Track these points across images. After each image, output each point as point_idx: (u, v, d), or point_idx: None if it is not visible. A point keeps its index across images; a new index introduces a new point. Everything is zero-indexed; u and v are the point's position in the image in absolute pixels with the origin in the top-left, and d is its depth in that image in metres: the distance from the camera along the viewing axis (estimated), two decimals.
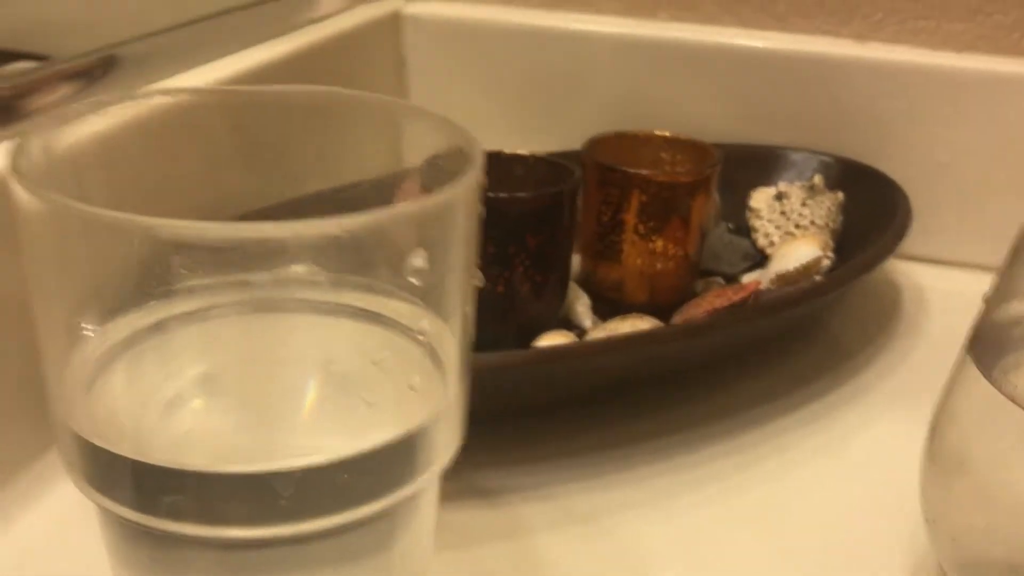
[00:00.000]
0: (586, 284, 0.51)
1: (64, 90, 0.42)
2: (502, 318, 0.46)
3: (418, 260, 0.23)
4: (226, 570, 0.25)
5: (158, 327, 0.27)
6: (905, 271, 0.59)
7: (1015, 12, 0.56)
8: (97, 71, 0.45)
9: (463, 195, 0.23)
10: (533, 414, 0.44)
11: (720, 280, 0.53)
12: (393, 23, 0.64)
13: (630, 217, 0.49)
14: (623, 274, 0.50)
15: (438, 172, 0.26)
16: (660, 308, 0.49)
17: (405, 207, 0.23)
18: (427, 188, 0.28)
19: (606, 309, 0.50)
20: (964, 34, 0.57)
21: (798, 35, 0.60)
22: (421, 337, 0.26)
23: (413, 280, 0.23)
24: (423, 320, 0.25)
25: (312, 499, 0.23)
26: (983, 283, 0.58)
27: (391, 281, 0.24)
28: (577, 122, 0.63)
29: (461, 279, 0.25)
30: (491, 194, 0.44)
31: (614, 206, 0.49)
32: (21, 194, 0.23)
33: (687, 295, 0.51)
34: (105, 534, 0.26)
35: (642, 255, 0.49)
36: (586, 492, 0.40)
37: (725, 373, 0.48)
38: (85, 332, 0.26)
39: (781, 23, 0.60)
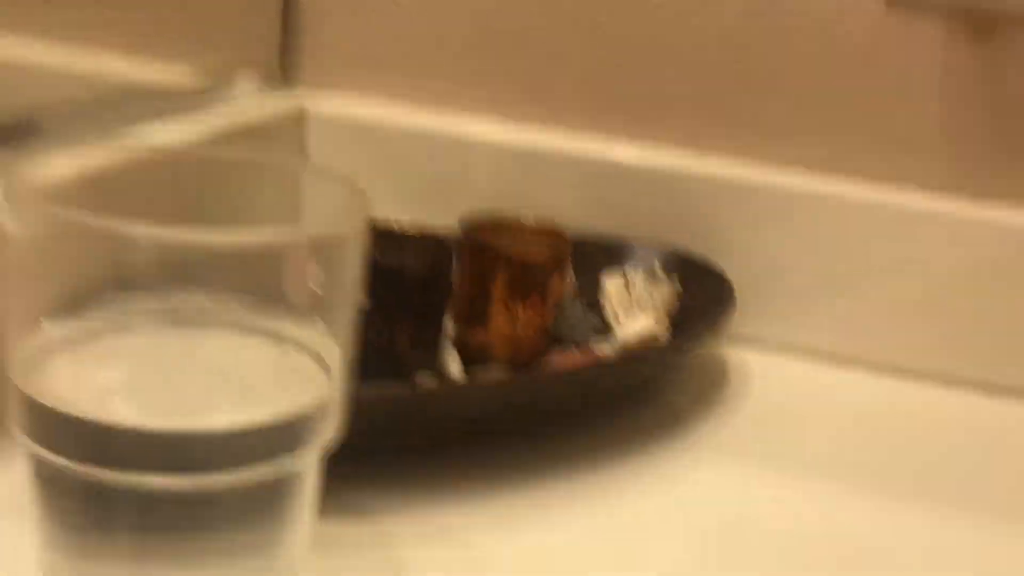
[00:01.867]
0: (457, 348, 0.59)
1: None
2: (382, 372, 0.53)
3: (313, 282, 0.30)
4: (139, 516, 0.31)
5: (93, 333, 0.33)
6: (733, 353, 0.69)
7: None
8: (18, 133, 0.50)
9: (355, 226, 0.31)
10: (406, 451, 0.51)
11: (574, 347, 0.62)
12: (298, 117, 0.72)
13: (496, 289, 0.57)
14: (489, 338, 0.58)
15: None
16: (519, 369, 0.57)
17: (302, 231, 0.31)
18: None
19: (474, 370, 0.58)
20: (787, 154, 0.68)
21: (646, 150, 0.70)
22: (312, 349, 0.33)
23: (309, 301, 0.31)
24: (314, 335, 0.32)
25: (215, 459, 0.30)
26: (797, 365, 0.68)
27: (291, 305, 0.31)
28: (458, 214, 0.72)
29: (349, 301, 0.32)
30: (379, 258, 0.51)
31: (483, 277, 0.57)
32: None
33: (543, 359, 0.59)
34: (38, 493, 0.32)
35: (506, 322, 0.57)
36: (448, 513, 0.47)
37: (574, 427, 0.56)
38: (38, 326, 0.32)
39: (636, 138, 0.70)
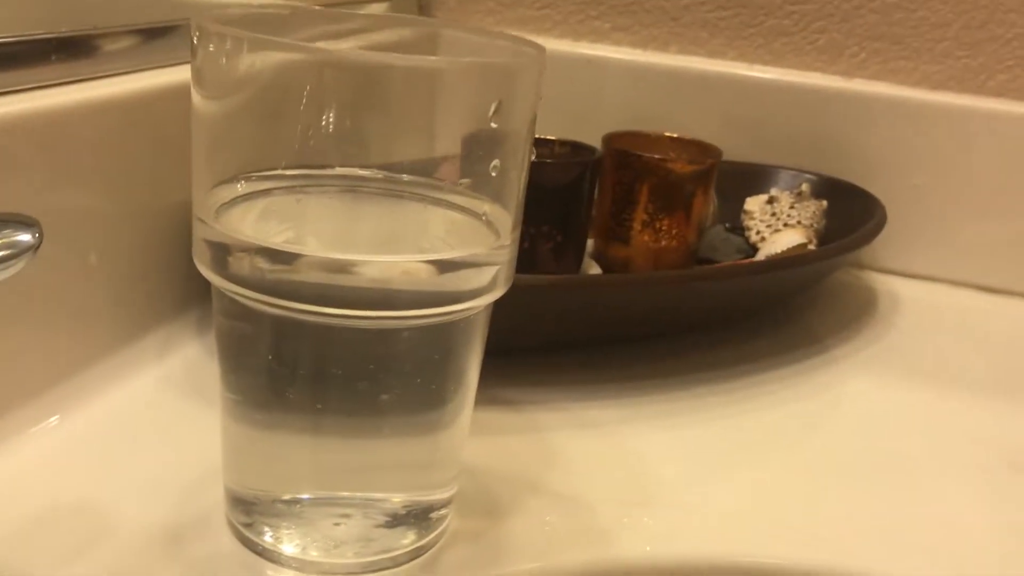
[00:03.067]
0: (598, 262, 0.58)
1: (132, 40, 0.49)
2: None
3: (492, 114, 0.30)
4: (317, 352, 0.31)
5: (266, 192, 0.33)
6: (881, 280, 0.66)
7: (981, 57, 0.65)
8: (163, 34, 0.52)
9: (531, 66, 0.30)
10: (554, 349, 0.50)
11: None
12: (432, 44, 0.72)
13: (640, 200, 0.56)
14: (631, 253, 0.57)
15: (477, 147, 0.33)
16: None
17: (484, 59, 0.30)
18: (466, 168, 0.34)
19: None
20: (937, 74, 0.66)
21: (792, 70, 0.68)
22: (484, 217, 0.33)
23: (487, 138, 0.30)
24: (485, 206, 0.32)
25: (391, 296, 0.30)
26: (947, 294, 0.65)
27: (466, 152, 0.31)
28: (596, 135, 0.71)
29: (520, 167, 0.32)
30: None
31: (627, 187, 0.56)
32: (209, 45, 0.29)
33: None
34: (217, 325, 0.33)
35: (648, 232, 0.56)
36: (597, 408, 0.47)
37: (718, 340, 0.54)
38: (222, 183, 0.32)
39: (778, 59, 0.68)
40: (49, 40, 0.44)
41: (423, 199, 0.34)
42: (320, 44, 0.28)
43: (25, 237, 0.28)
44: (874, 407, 0.50)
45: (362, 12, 0.68)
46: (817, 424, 0.49)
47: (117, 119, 0.44)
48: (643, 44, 0.71)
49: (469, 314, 0.32)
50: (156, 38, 0.51)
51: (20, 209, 0.40)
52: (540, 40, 0.71)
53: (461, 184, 0.31)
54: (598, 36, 0.72)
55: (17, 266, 0.28)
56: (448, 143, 0.32)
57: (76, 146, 0.42)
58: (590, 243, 0.58)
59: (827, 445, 0.46)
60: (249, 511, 0.35)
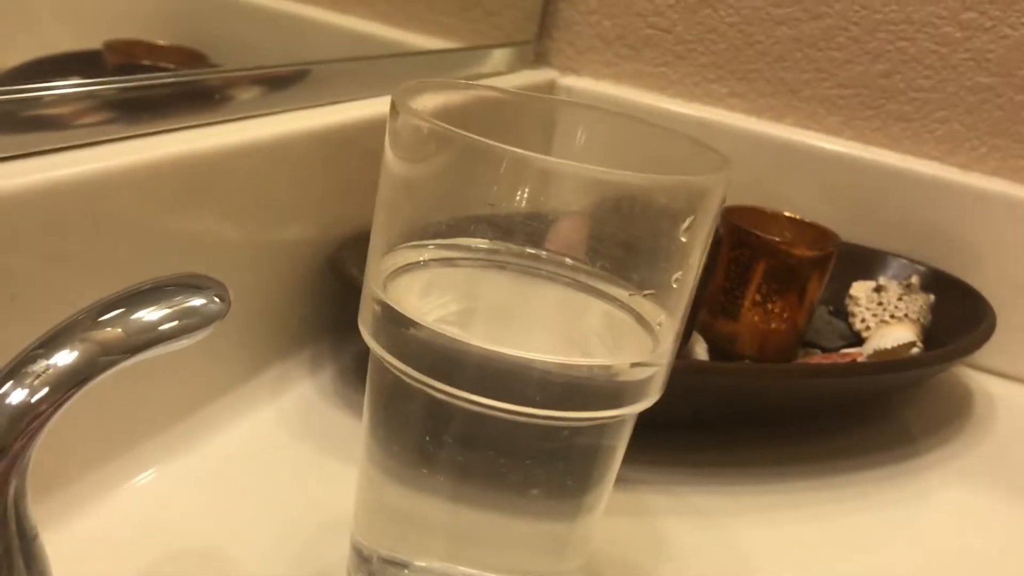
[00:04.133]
0: (704, 336, 0.57)
1: (259, 90, 0.49)
2: None
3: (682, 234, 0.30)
4: (466, 435, 0.31)
5: (447, 261, 0.33)
6: (977, 380, 0.65)
7: None
8: (291, 79, 0.52)
9: (723, 183, 0.30)
10: (665, 427, 0.50)
11: (819, 351, 0.60)
12: (548, 91, 0.72)
13: (756, 276, 0.55)
14: (738, 330, 0.57)
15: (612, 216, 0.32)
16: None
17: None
18: (596, 227, 0.34)
19: (719, 359, 0.56)
20: None
21: (907, 156, 0.67)
22: (657, 325, 0.32)
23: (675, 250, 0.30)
24: (661, 316, 0.32)
25: (543, 395, 0.29)
26: None
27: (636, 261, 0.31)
28: None
29: (697, 263, 0.32)
30: None
31: (743, 265, 0.55)
32: (407, 122, 0.30)
33: (790, 359, 0.57)
34: (371, 385, 0.33)
35: (759, 312, 0.56)
36: (702, 494, 0.46)
37: (810, 426, 0.54)
38: (395, 248, 0.32)
39: (894, 144, 0.68)
40: (193, 83, 0.44)
41: (589, 290, 0.33)
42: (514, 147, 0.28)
43: (210, 304, 0.28)
44: (966, 520, 0.50)
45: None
46: (912, 534, 0.48)
47: (257, 161, 0.44)
48: (758, 112, 0.70)
49: (627, 416, 0.32)
50: (291, 84, 0.52)
51: (162, 245, 0.40)
52: (653, 97, 0.71)
53: (647, 295, 0.31)
54: (712, 100, 0.71)
55: (199, 336, 0.28)
56: (635, 250, 0.31)
57: (220, 186, 0.42)
58: (702, 313, 0.58)
59: (922, 557, 0.46)
60: (374, 574, 0.35)
